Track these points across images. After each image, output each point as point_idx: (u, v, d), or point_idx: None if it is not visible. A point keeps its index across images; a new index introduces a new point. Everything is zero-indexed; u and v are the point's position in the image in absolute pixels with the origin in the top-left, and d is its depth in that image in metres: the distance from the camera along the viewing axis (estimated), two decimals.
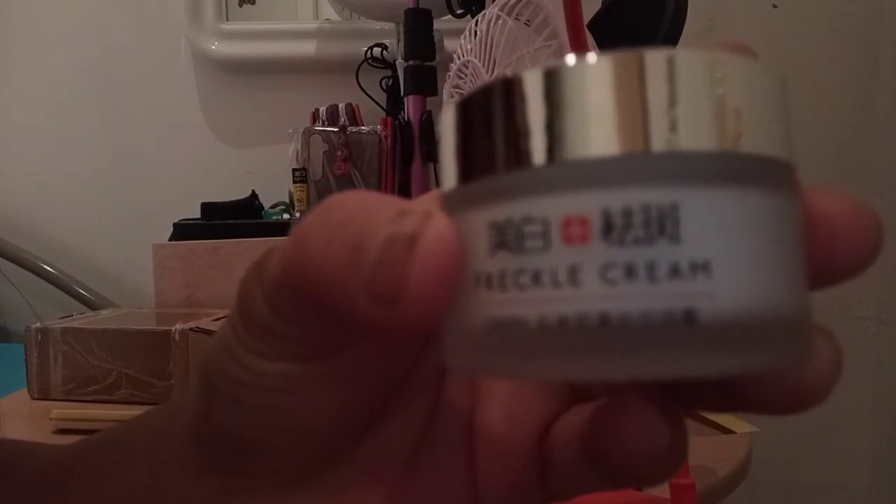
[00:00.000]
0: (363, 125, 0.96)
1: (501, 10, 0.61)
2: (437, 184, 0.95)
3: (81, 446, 0.22)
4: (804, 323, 0.13)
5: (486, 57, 0.62)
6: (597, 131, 0.12)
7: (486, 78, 0.62)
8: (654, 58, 0.12)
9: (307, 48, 1.08)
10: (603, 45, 0.58)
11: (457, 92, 0.69)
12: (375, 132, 0.92)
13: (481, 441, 0.18)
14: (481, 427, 0.18)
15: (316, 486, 0.17)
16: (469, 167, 0.13)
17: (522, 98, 0.12)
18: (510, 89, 0.12)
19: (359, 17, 1.08)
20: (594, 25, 0.65)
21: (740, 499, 1.02)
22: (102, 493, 0.19)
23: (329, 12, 1.13)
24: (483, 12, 0.64)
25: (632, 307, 0.11)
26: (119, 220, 1.13)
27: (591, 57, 0.12)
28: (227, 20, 1.09)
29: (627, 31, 0.63)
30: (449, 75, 0.70)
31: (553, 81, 0.12)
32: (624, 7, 0.65)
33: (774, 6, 1.02)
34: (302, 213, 0.91)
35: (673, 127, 0.11)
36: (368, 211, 0.13)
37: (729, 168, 0.12)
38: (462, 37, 0.67)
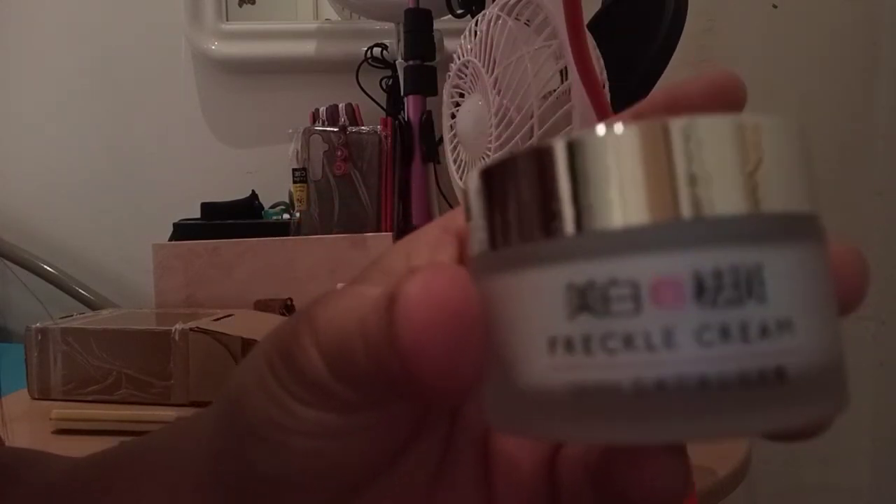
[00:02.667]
0: (363, 125, 0.96)
1: (501, 10, 0.61)
2: (438, 184, 0.95)
3: (92, 464, 0.22)
4: (845, 363, 0.13)
5: (486, 57, 0.62)
6: (666, 195, 0.12)
7: (486, 78, 0.62)
8: (744, 123, 0.12)
9: (307, 48, 1.08)
10: (603, 45, 0.58)
11: (457, 92, 0.69)
12: (375, 132, 0.91)
13: (496, 465, 0.18)
14: (496, 451, 0.18)
15: None
16: (525, 228, 0.13)
17: (595, 158, 0.12)
18: (574, 148, 0.12)
19: (359, 17, 1.08)
20: (594, 25, 0.65)
21: (740, 499, 1.02)
22: None
23: (329, 12, 1.13)
24: (483, 12, 0.64)
25: (729, 368, 0.11)
26: (119, 220, 1.13)
27: (662, 124, 0.12)
28: (227, 20, 1.09)
29: (627, 31, 0.63)
30: (449, 75, 0.70)
31: (640, 142, 0.12)
32: (624, 7, 0.65)
33: (774, 6, 1.02)
34: (302, 213, 0.91)
35: (754, 189, 0.12)
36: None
37: (798, 227, 0.12)
38: (462, 37, 0.67)
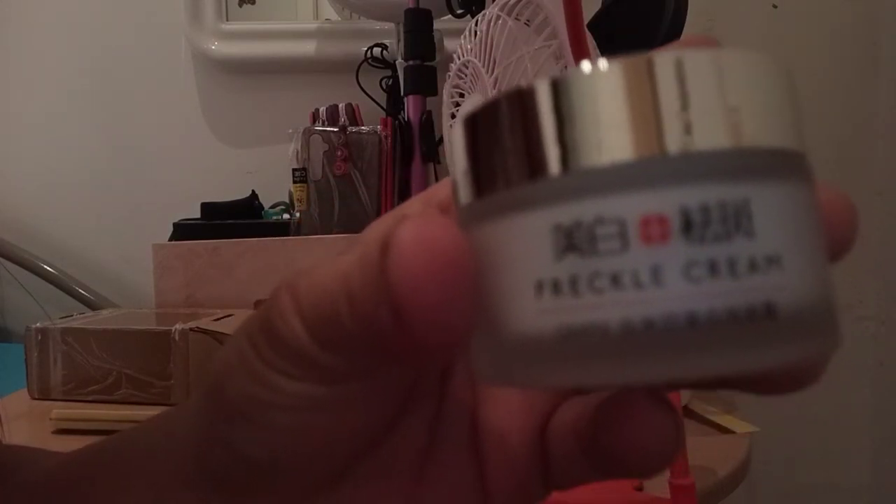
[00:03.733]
0: (363, 125, 0.96)
1: (501, 10, 0.61)
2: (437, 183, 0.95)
3: (78, 460, 0.21)
4: (836, 304, 0.13)
5: (486, 57, 0.62)
6: (651, 131, 0.12)
7: (486, 78, 0.62)
8: (730, 57, 0.12)
9: (307, 48, 1.08)
10: (603, 45, 0.58)
11: (457, 92, 0.69)
12: (375, 132, 0.91)
13: (486, 439, 0.18)
14: (485, 425, 0.18)
15: (327, 498, 0.17)
16: (510, 172, 0.13)
17: (579, 95, 0.12)
18: (558, 87, 0.12)
19: (359, 17, 1.08)
20: (594, 25, 0.65)
21: (740, 499, 1.02)
22: None
23: (329, 12, 1.13)
24: (483, 12, 0.64)
25: (717, 304, 0.11)
26: (119, 220, 1.13)
27: (646, 58, 0.12)
28: (227, 20, 1.09)
29: (627, 31, 0.63)
30: (449, 75, 0.70)
31: (624, 78, 0.12)
32: (624, 7, 0.65)
33: (774, 6, 1.02)
34: (302, 213, 0.91)
35: (740, 124, 0.12)
36: (375, 234, 0.13)
37: (786, 163, 0.12)
38: (462, 37, 0.67)
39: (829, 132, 1.01)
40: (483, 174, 0.13)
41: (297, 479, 0.17)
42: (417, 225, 0.12)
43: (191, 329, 0.62)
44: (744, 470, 0.51)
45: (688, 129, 0.11)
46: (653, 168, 0.11)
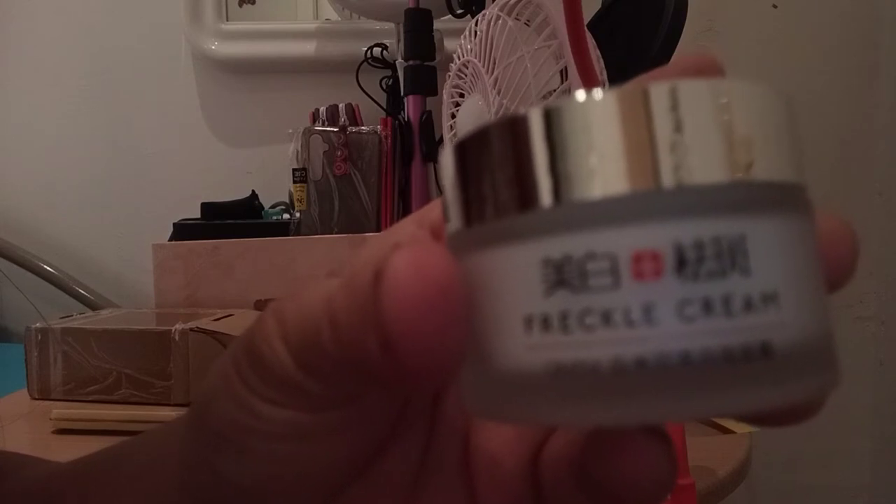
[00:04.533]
0: (363, 125, 0.96)
1: (501, 10, 0.61)
2: (438, 184, 0.95)
3: (66, 475, 0.21)
4: (835, 339, 0.13)
5: (486, 57, 0.62)
6: (646, 163, 0.11)
7: (486, 78, 0.62)
8: (727, 87, 0.12)
9: (307, 48, 1.08)
10: (603, 45, 0.58)
11: (457, 92, 0.69)
12: (375, 132, 0.91)
13: (478, 464, 0.18)
14: (477, 450, 0.18)
15: None
16: (500, 202, 0.12)
17: (572, 126, 0.12)
18: (551, 116, 0.12)
19: (359, 17, 1.08)
20: (594, 25, 0.65)
21: (740, 499, 1.02)
22: None
23: (329, 12, 1.13)
24: (483, 12, 0.64)
25: (712, 344, 0.11)
26: (119, 220, 1.13)
27: (642, 88, 0.11)
28: (227, 20, 1.09)
29: (627, 31, 0.63)
30: (449, 75, 0.70)
31: (619, 109, 0.11)
32: (624, 7, 0.65)
33: (774, 6, 1.02)
34: (302, 213, 0.91)
35: (737, 157, 0.11)
36: (366, 262, 0.13)
37: (784, 197, 0.12)
38: (462, 37, 0.67)
39: (829, 132, 1.01)
40: (473, 203, 0.13)
41: None
42: (412, 254, 0.12)
43: (191, 329, 0.62)
44: (744, 470, 0.51)
45: (683, 162, 0.11)
46: (646, 202, 0.11)
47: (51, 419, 0.57)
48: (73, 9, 1.12)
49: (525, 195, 0.12)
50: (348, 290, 0.13)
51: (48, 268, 1.08)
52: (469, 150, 0.13)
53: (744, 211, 0.11)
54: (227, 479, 0.16)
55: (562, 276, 0.11)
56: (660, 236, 0.11)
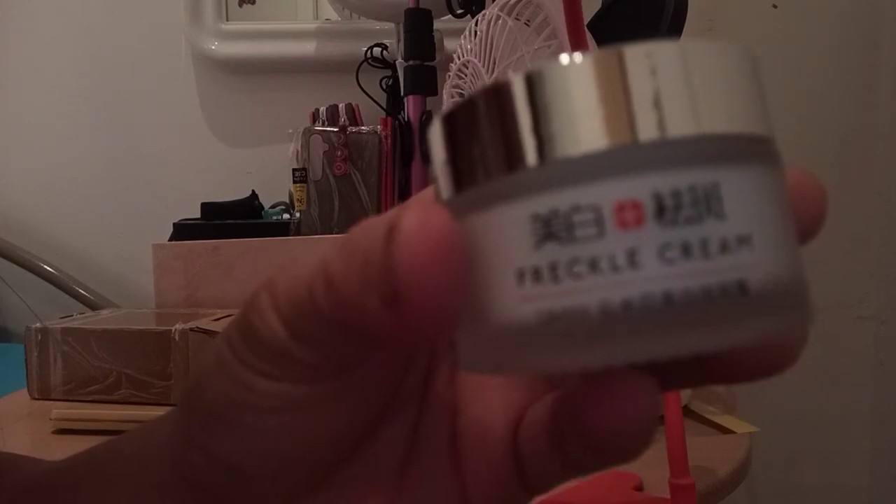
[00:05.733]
0: (363, 125, 0.96)
1: (501, 10, 0.61)
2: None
3: (58, 470, 0.21)
4: (807, 281, 0.14)
5: (486, 57, 0.62)
6: (623, 121, 0.12)
7: (486, 78, 0.62)
8: (693, 47, 0.12)
9: (307, 48, 1.08)
10: (603, 45, 0.58)
11: (457, 92, 0.69)
12: (375, 132, 0.91)
13: (464, 443, 0.18)
14: (463, 430, 0.18)
15: None
16: (489, 165, 0.13)
17: (552, 88, 0.12)
18: (533, 80, 0.13)
19: (359, 17, 1.08)
20: (594, 25, 0.65)
21: (740, 499, 1.02)
22: None
23: (329, 12, 1.13)
24: (483, 12, 0.64)
25: (692, 284, 0.12)
26: (119, 220, 1.13)
27: (616, 50, 0.12)
28: (227, 20, 1.09)
29: (627, 31, 0.63)
30: (449, 75, 0.70)
31: (596, 70, 0.12)
32: (624, 7, 0.65)
33: (774, 6, 1.02)
34: (302, 213, 0.91)
35: (706, 111, 0.12)
36: (372, 228, 0.13)
37: (753, 148, 0.13)
38: (462, 37, 0.67)
39: (829, 132, 1.01)
40: (463, 169, 0.14)
41: (275, 485, 0.17)
42: (423, 211, 0.13)
43: (191, 329, 0.62)
44: (744, 470, 0.51)
45: (658, 118, 0.12)
46: (625, 156, 0.12)
47: (51, 419, 0.57)
48: (73, 9, 1.12)
49: (512, 156, 0.13)
50: (345, 251, 0.14)
51: (48, 268, 1.08)
52: (456, 119, 0.14)
53: (716, 161, 0.12)
54: (219, 458, 0.16)
55: (550, 229, 0.12)
56: (640, 187, 0.12)
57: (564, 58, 0.12)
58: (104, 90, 1.13)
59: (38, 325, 0.66)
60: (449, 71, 0.70)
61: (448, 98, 0.70)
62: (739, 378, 0.15)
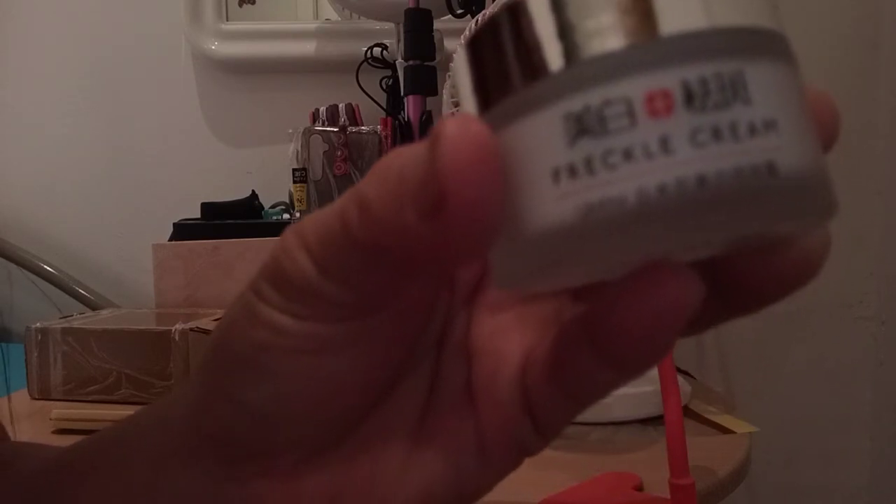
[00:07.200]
0: (363, 125, 0.96)
1: None
2: None
3: (78, 447, 0.21)
4: (830, 176, 0.14)
5: None
6: (646, 16, 0.12)
7: None
8: None
9: (307, 48, 1.08)
10: None
11: (457, 92, 0.69)
12: (375, 132, 0.91)
13: (478, 387, 0.18)
14: (477, 374, 0.18)
15: (326, 461, 0.17)
16: (518, 75, 0.13)
17: None
18: None
19: (359, 17, 1.08)
20: None
21: (740, 499, 1.02)
22: (99, 490, 0.19)
23: (329, 12, 1.13)
24: (483, 12, 0.64)
25: (724, 165, 0.12)
26: (119, 220, 1.13)
27: None
28: (227, 20, 1.09)
29: None
30: (449, 75, 0.70)
31: None
32: None
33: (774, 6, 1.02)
34: (302, 212, 0.91)
35: (725, 6, 0.13)
36: (403, 152, 0.14)
37: (772, 42, 0.13)
38: (462, 37, 0.67)
39: None
40: (492, 86, 0.14)
41: (299, 436, 0.17)
42: (461, 120, 0.13)
43: (191, 329, 0.62)
44: (744, 470, 0.51)
45: (679, 13, 0.12)
46: (651, 50, 0.12)
47: (51, 419, 0.57)
48: (73, 9, 1.12)
49: (539, 63, 0.13)
50: (377, 174, 0.14)
51: (48, 268, 1.08)
52: (481, 40, 0.14)
53: (739, 51, 0.13)
54: (245, 404, 0.16)
55: (582, 125, 0.12)
56: (668, 77, 0.12)
57: None
58: (104, 90, 1.13)
59: (38, 325, 0.66)
60: (449, 71, 0.70)
61: (448, 98, 0.70)
62: (768, 292, 0.15)
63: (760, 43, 0.13)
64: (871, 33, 1.03)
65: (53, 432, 0.57)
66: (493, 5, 0.62)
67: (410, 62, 0.91)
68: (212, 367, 0.17)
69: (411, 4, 0.90)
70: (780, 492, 1.05)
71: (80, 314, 0.76)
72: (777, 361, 1.04)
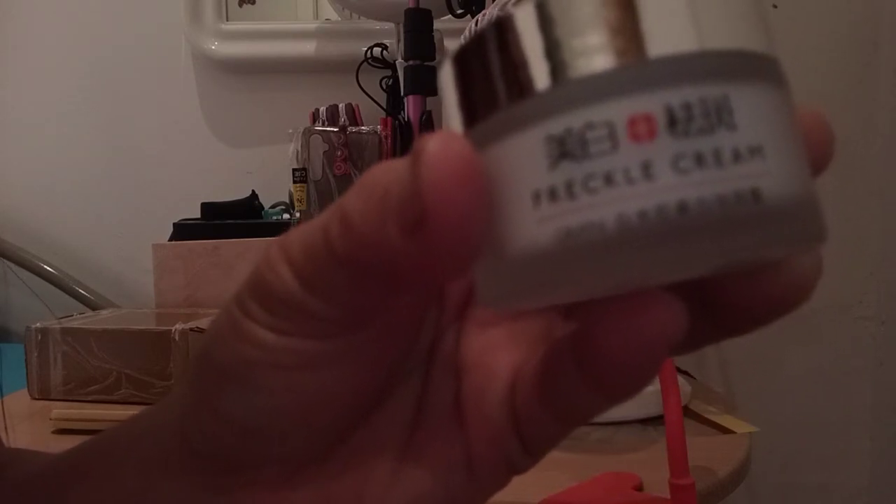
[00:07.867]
0: (363, 125, 0.96)
1: (501, 10, 0.61)
2: None
3: (71, 453, 0.21)
4: (820, 202, 0.14)
5: None
6: (630, 39, 0.12)
7: None
8: None
9: (307, 48, 1.08)
10: None
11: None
12: (375, 132, 0.91)
13: (466, 405, 0.18)
14: (466, 391, 0.18)
15: (314, 474, 0.17)
16: (502, 94, 0.13)
17: (558, 12, 0.13)
18: (539, 6, 0.13)
19: (359, 17, 1.08)
20: None
21: (740, 499, 1.02)
22: (90, 497, 0.19)
23: (329, 12, 1.13)
24: (483, 12, 0.64)
25: (706, 192, 0.12)
26: (119, 220, 1.13)
27: None
28: (227, 20, 1.09)
29: None
30: None
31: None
32: None
33: (774, 6, 1.02)
34: (302, 212, 0.91)
35: (712, 29, 0.12)
36: (388, 167, 0.13)
37: (760, 65, 0.13)
38: (462, 37, 0.67)
39: None
40: (476, 102, 0.14)
41: (285, 450, 0.17)
42: (444, 136, 0.13)
43: (191, 329, 0.62)
44: (744, 470, 0.51)
45: (666, 35, 0.12)
46: (635, 73, 0.12)
47: (51, 419, 0.57)
48: (73, 9, 1.12)
49: (523, 83, 0.13)
50: (361, 189, 0.14)
51: (48, 268, 1.08)
52: (467, 55, 0.14)
53: (725, 75, 0.12)
54: (230, 418, 0.16)
55: (564, 147, 0.12)
56: (651, 101, 0.12)
57: None
58: (104, 90, 1.13)
59: (38, 325, 0.66)
60: None
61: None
62: (758, 315, 0.15)
63: (748, 67, 0.13)
64: (871, 33, 1.02)
65: (53, 432, 0.57)
66: (493, 5, 0.62)
67: (410, 62, 0.91)
68: (197, 379, 0.17)
69: (411, 4, 0.90)
70: (780, 492, 1.05)
71: (80, 314, 0.76)
72: (777, 361, 1.04)
